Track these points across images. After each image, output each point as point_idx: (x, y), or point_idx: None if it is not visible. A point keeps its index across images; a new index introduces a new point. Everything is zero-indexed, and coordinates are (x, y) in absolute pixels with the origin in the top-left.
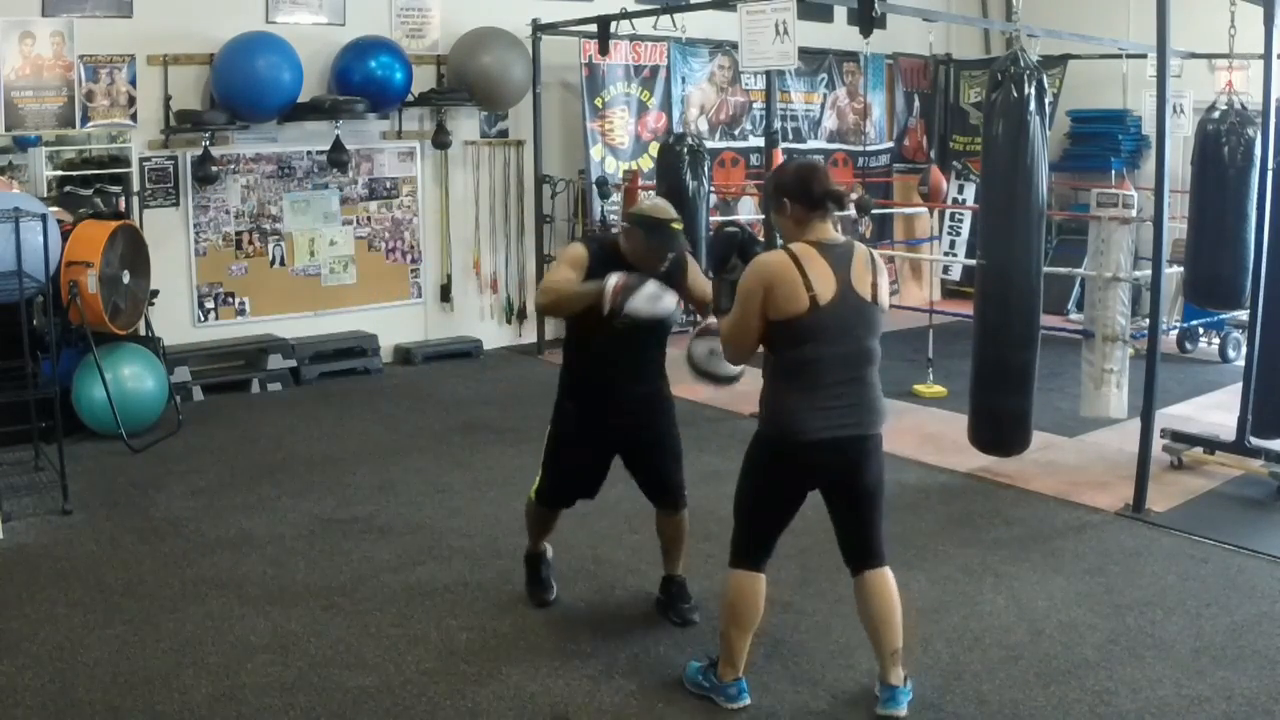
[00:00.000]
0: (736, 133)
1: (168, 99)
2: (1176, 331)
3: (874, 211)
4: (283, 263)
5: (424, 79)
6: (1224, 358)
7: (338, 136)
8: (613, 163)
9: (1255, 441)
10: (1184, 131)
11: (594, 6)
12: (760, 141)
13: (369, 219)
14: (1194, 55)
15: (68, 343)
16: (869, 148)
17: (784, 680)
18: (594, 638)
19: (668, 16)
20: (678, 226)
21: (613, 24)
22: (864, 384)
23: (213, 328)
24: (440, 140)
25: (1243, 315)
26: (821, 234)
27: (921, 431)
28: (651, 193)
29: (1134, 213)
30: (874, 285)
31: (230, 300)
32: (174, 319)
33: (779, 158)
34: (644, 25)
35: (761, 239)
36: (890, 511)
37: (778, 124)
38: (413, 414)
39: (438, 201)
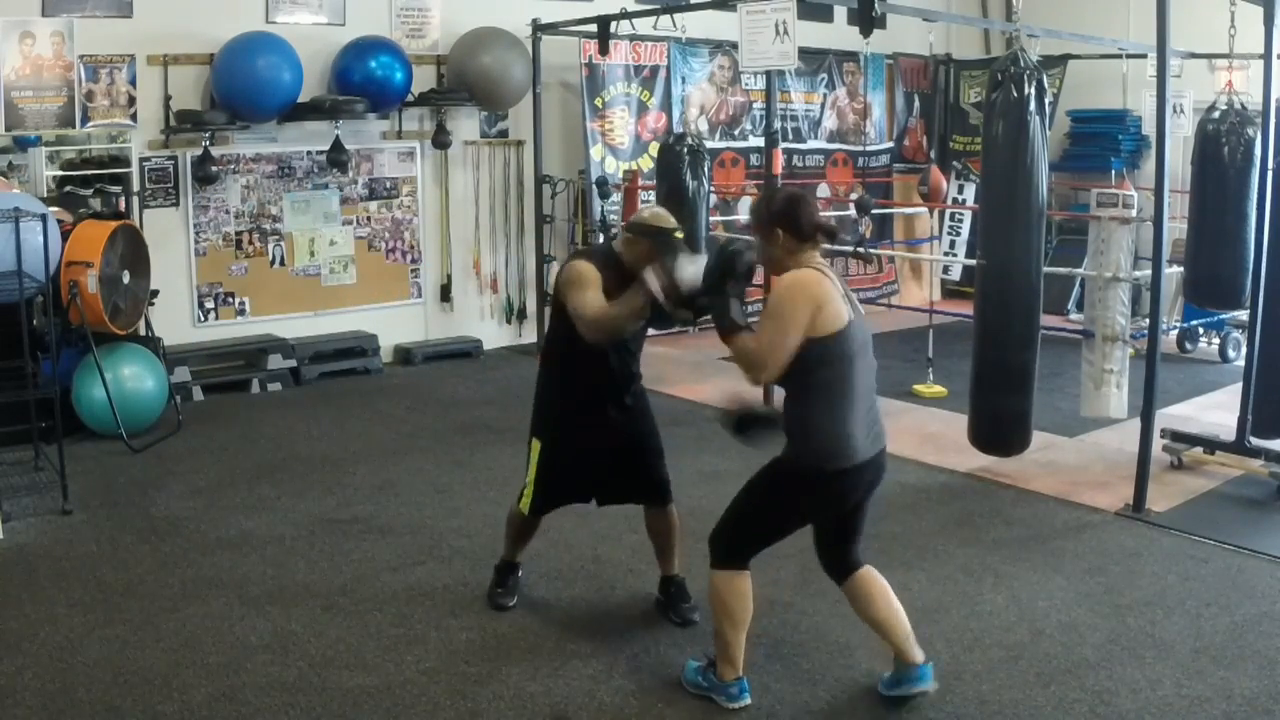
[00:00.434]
0: (736, 133)
1: (168, 99)
2: (1176, 331)
3: (874, 211)
4: (283, 263)
5: (424, 79)
6: (1224, 358)
7: (338, 136)
8: (613, 163)
9: (1255, 441)
10: (1184, 131)
11: (594, 6)
12: (760, 141)
13: (369, 219)
14: (1194, 55)
15: (68, 343)
16: (869, 148)
17: (784, 680)
18: (594, 638)
19: (668, 16)
20: (680, 235)
21: (613, 24)
22: (875, 397)
23: (213, 328)
24: (440, 140)
25: (1242, 315)
26: (815, 260)
27: (921, 431)
28: (650, 197)
29: (1134, 213)
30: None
31: (230, 300)
32: (174, 319)
33: (779, 158)
34: (644, 25)
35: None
36: (891, 511)
37: (778, 124)
38: (413, 414)
39: (438, 201)
